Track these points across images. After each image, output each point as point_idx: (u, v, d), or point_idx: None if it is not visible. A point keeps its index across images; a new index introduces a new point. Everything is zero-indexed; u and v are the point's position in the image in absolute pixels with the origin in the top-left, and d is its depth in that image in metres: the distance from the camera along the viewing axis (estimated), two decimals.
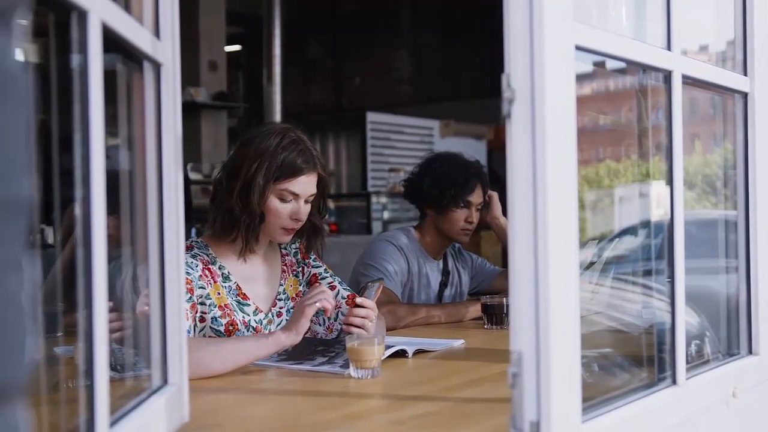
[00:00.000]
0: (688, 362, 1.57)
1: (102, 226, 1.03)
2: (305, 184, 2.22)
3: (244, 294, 2.26)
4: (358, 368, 1.89)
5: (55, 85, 1.08)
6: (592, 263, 2.21)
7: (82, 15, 1.00)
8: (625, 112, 2.14)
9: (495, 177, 6.22)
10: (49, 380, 1.29)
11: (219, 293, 2.20)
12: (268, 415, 1.65)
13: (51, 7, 0.97)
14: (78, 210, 1.03)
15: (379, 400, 1.76)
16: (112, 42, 1.12)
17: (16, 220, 0.56)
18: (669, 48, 1.53)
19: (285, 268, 2.40)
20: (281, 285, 2.37)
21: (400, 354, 2.13)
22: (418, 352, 2.20)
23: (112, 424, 1.09)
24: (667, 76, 1.53)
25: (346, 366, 1.93)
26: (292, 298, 2.38)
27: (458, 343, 2.38)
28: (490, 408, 1.64)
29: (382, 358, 1.94)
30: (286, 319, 2.31)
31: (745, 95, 1.83)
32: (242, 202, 2.18)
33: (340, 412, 1.64)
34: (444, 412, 1.61)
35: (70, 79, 1.04)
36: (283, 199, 2.21)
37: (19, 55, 0.59)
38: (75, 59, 1.03)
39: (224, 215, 2.22)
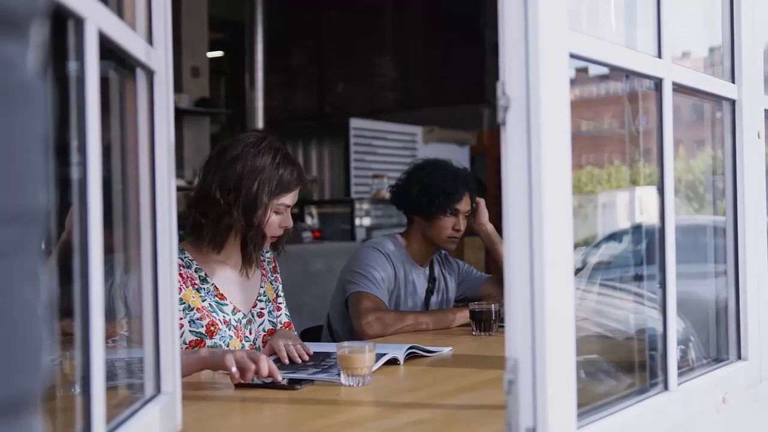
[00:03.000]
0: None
1: (98, 233, 1.02)
2: (295, 195, 2.35)
3: (222, 294, 2.32)
4: (349, 376, 1.88)
5: (50, 92, 1.08)
6: (578, 269, 2.23)
7: (79, 22, 1.00)
8: (607, 118, 2.15)
9: (478, 183, 6.23)
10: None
11: (194, 296, 2.26)
12: (260, 423, 1.65)
13: (47, 14, 0.96)
14: (73, 217, 1.03)
15: (372, 408, 1.75)
16: (106, 49, 1.12)
17: (32, 230, 0.56)
18: (659, 56, 1.54)
19: (264, 272, 2.48)
20: (261, 287, 2.45)
21: (391, 362, 2.13)
22: (410, 357, 2.20)
23: None
24: (658, 83, 1.54)
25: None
26: (272, 300, 2.47)
27: (447, 350, 2.38)
28: (483, 414, 1.64)
29: (376, 367, 1.94)
30: (268, 320, 2.42)
31: (732, 102, 1.84)
32: (246, 220, 2.26)
33: (332, 420, 1.63)
34: (437, 419, 1.61)
35: (65, 86, 1.04)
36: (277, 212, 2.31)
37: (36, 65, 0.59)
38: (71, 66, 1.02)
39: (225, 231, 2.28)
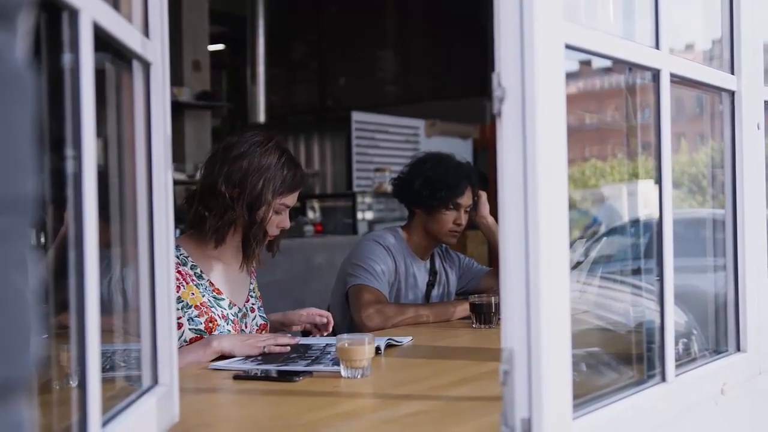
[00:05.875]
0: (676, 360, 1.57)
1: (93, 227, 1.03)
2: (296, 197, 2.40)
3: (218, 289, 2.35)
4: (348, 368, 1.88)
5: (44, 84, 1.08)
6: (579, 262, 2.22)
7: (74, 14, 1.00)
8: (611, 111, 2.15)
9: (481, 176, 6.22)
10: (38, 381, 1.28)
11: (193, 293, 2.29)
12: (258, 415, 1.65)
13: (42, 6, 0.96)
14: (68, 211, 1.03)
15: (370, 399, 1.75)
16: (102, 41, 1.12)
17: (22, 217, 0.57)
18: (657, 47, 1.54)
19: (252, 268, 2.52)
20: (251, 283, 2.49)
21: (391, 352, 2.14)
22: (389, 346, 2.25)
23: (104, 424, 1.09)
24: (656, 74, 1.54)
25: (336, 363, 1.93)
26: (259, 297, 2.52)
27: (407, 339, 2.41)
28: (480, 406, 1.64)
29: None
30: (260, 315, 2.47)
31: (732, 93, 1.84)
32: (249, 216, 2.29)
33: (330, 411, 1.64)
34: (435, 410, 1.62)
35: (60, 78, 1.04)
36: (277, 212, 2.34)
37: (23, 54, 0.59)
38: (65, 58, 1.02)
39: (227, 225, 2.31)
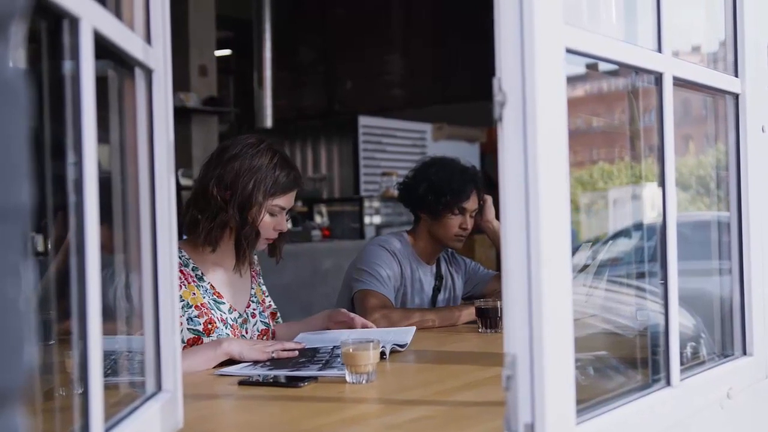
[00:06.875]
0: (683, 364, 1.57)
1: (95, 233, 1.03)
2: (292, 199, 2.39)
3: (219, 293, 2.36)
4: (353, 373, 1.88)
5: (46, 92, 1.08)
6: (585, 266, 2.22)
7: (74, 22, 1.00)
8: (618, 113, 2.14)
9: (488, 180, 6.22)
10: (43, 387, 1.29)
11: (194, 293, 2.30)
12: (262, 421, 1.65)
13: (42, 14, 0.97)
14: (71, 217, 1.03)
15: (375, 405, 1.75)
16: (103, 48, 1.12)
17: (15, 226, 0.57)
18: (660, 50, 1.53)
19: (254, 274, 2.53)
20: (252, 288, 2.49)
21: (395, 356, 2.13)
22: (394, 352, 2.24)
23: (107, 430, 1.09)
24: (658, 77, 1.53)
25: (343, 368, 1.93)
26: (261, 302, 2.51)
27: (410, 332, 2.41)
28: (484, 411, 1.64)
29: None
30: (260, 321, 2.47)
31: (736, 96, 1.83)
32: (241, 217, 2.29)
33: (335, 417, 1.63)
34: (439, 415, 1.61)
35: (61, 86, 1.04)
36: (272, 214, 2.34)
37: (17, 63, 0.59)
38: (66, 65, 1.02)
39: (220, 228, 2.31)
